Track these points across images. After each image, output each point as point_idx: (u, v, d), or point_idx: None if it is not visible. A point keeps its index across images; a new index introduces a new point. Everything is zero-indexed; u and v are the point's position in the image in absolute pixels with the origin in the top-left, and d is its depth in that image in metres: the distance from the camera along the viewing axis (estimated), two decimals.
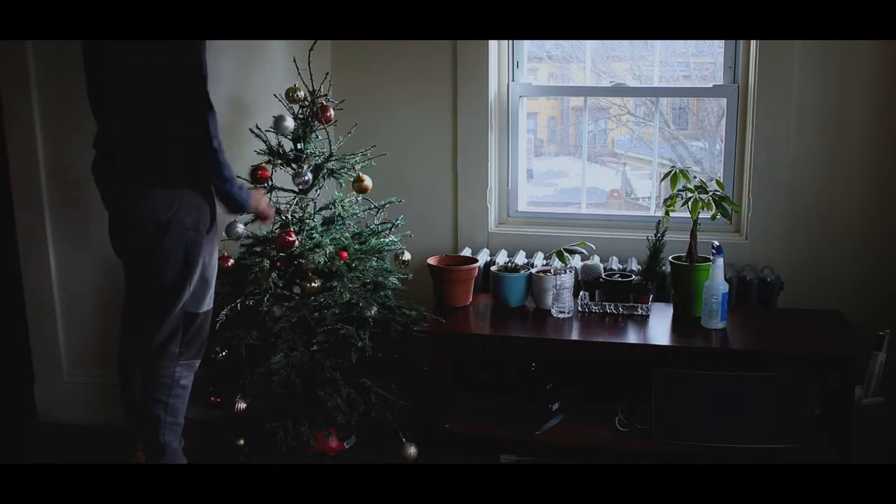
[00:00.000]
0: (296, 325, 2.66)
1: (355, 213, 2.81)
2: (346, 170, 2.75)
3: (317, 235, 2.66)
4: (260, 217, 2.57)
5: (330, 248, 2.63)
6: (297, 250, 2.61)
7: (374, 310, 2.63)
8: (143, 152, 2.33)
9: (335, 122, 2.75)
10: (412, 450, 2.69)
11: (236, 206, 2.45)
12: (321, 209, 2.79)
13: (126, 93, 2.33)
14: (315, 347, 2.68)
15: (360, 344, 2.62)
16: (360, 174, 2.74)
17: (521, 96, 3.24)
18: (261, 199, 2.55)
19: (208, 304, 2.54)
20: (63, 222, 2.95)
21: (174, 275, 2.40)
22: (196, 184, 2.39)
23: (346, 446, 2.77)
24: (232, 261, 2.67)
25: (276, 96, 2.71)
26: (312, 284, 2.59)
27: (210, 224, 2.45)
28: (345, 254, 2.67)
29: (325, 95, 2.71)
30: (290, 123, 2.64)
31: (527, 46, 3.23)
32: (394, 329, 2.71)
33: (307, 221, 2.69)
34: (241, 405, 2.62)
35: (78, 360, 3.09)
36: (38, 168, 2.92)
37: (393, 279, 2.75)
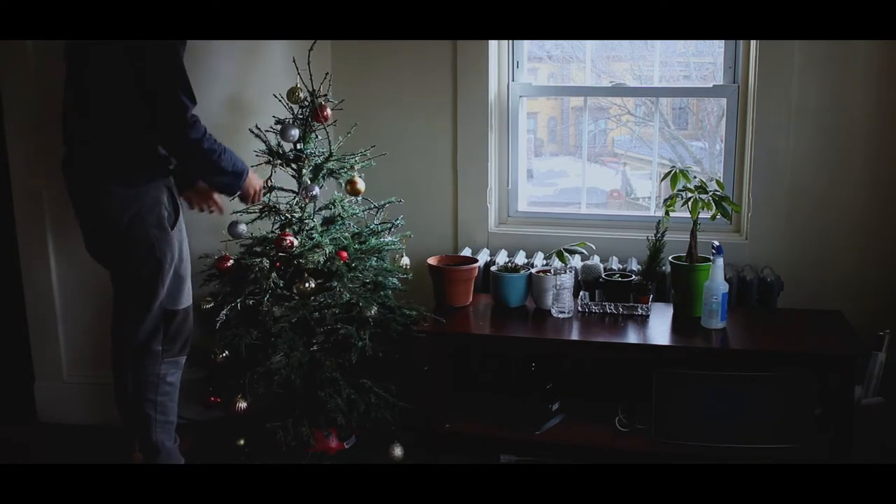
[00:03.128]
0: (296, 325, 2.66)
1: (355, 214, 2.81)
2: (345, 170, 2.75)
3: (316, 235, 2.66)
4: (245, 199, 2.57)
5: (329, 249, 2.63)
6: (298, 251, 2.61)
7: (374, 310, 2.63)
8: (101, 151, 2.34)
9: (334, 121, 2.75)
10: (398, 451, 2.70)
11: (227, 189, 2.47)
12: (321, 209, 2.78)
13: (90, 89, 2.34)
14: (315, 347, 2.68)
15: (360, 344, 2.61)
16: (353, 177, 2.72)
17: (521, 96, 3.24)
18: (253, 183, 2.54)
19: (186, 300, 2.55)
20: (63, 223, 2.94)
21: (146, 274, 2.41)
22: (155, 179, 2.39)
23: (346, 446, 2.77)
24: (231, 261, 2.66)
25: (276, 96, 2.71)
26: (306, 286, 2.57)
27: (175, 219, 2.45)
28: (344, 254, 2.67)
29: (325, 95, 2.71)
30: (295, 133, 2.65)
31: (527, 46, 3.23)
32: (394, 329, 2.71)
33: (307, 221, 2.69)
34: (242, 405, 2.62)
35: (77, 361, 3.09)
36: (38, 168, 2.92)
37: (393, 279, 2.75)
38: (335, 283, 2.63)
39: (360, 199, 2.81)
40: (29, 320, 3.08)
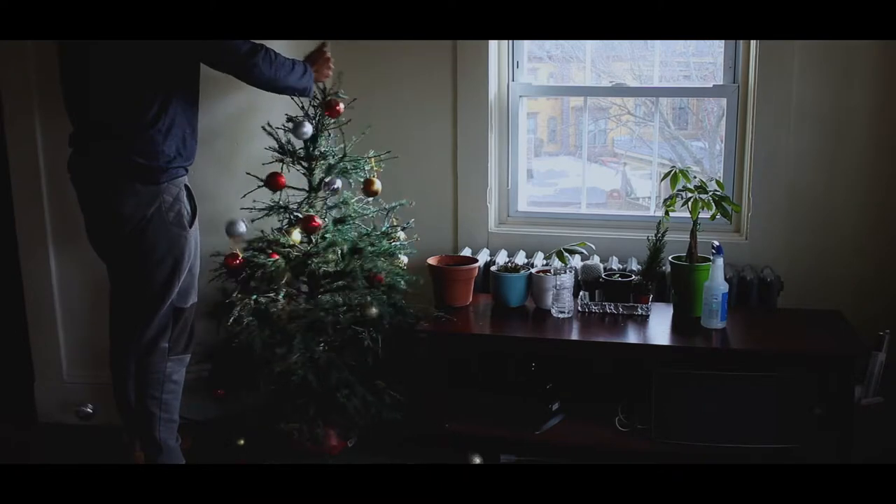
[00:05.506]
0: (308, 325, 2.65)
1: (366, 214, 2.80)
2: (358, 170, 2.74)
3: (329, 235, 2.66)
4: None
5: (345, 247, 2.62)
6: (314, 250, 2.61)
7: (383, 310, 2.63)
8: (124, 147, 2.33)
9: (347, 121, 2.73)
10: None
11: (303, 93, 2.57)
12: (331, 208, 2.77)
13: (112, 83, 2.33)
14: (326, 348, 2.67)
15: (367, 342, 2.59)
16: (371, 177, 2.73)
17: (521, 96, 3.24)
18: (318, 65, 2.62)
19: (194, 297, 2.55)
20: (63, 222, 2.94)
21: (163, 272, 2.41)
22: (174, 177, 2.39)
23: (349, 445, 2.77)
24: (240, 259, 2.64)
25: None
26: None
27: (192, 217, 2.45)
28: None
29: (337, 93, 2.70)
30: (308, 129, 2.63)
31: (527, 46, 3.23)
32: (404, 324, 2.70)
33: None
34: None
35: (78, 361, 3.08)
36: (38, 168, 2.92)
37: (402, 281, 2.74)
38: (350, 281, 2.63)
39: (369, 199, 2.79)
40: (29, 320, 3.08)
